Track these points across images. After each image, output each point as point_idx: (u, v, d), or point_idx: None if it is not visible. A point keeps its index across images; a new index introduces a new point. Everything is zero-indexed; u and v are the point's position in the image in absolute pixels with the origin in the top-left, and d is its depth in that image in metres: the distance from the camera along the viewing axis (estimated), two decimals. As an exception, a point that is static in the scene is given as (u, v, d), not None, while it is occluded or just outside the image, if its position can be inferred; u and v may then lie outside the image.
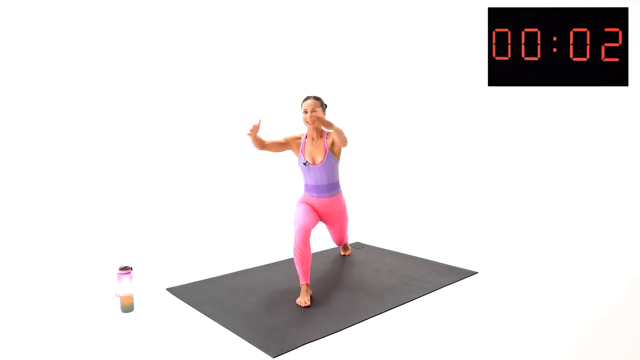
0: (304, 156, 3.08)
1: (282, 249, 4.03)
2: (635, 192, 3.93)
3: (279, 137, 3.14)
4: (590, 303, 2.74)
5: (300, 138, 3.12)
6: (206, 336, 2.42)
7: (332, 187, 3.14)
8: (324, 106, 3.04)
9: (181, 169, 5.00)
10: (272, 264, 3.67)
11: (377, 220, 5.09)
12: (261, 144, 3.03)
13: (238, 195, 5.26)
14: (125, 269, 2.75)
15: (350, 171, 6.04)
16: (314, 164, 3.07)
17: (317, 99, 3.00)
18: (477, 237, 4.30)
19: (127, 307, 2.72)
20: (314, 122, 2.96)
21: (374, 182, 5.77)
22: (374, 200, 5.71)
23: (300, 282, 2.89)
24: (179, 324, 2.57)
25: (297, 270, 2.89)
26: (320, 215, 3.22)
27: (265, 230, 4.71)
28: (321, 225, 3.54)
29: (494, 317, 2.59)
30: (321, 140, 3.05)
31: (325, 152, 3.03)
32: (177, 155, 4.98)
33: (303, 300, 2.82)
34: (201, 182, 5.11)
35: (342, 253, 3.79)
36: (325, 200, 3.16)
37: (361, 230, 4.70)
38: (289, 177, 5.54)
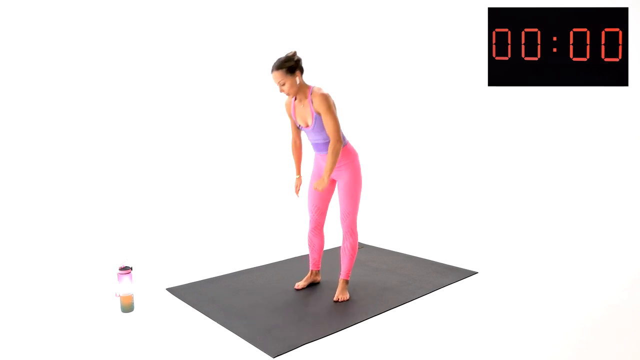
0: (296, 120, 2.85)
1: (282, 249, 4.04)
2: (635, 192, 3.93)
3: (289, 124, 2.98)
4: (590, 303, 2.74)
5: (290, 102, 2.86)
6: (206, 336, 2.42)
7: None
8: (292, 70, 2.65)
9: (181, 169, 5.00)
10: (272, 264, 3.67)
11: (377, 220, 5.09)
12: (298, 143, 3.04)
13: (238, 196, 5.26)
14: (125, 269, 2.75)
15: (350, 171, 6.03)
16: (306, 126, 2.81)
17: (280, 66, 2.63)
18: (477, 237, 4.30)
19: (127, 307, 2.72)
20: (289, 94, 2.70)
21: (374, 182, 5.77)
22: (374, 201, 5.70)
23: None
24: (179, 324, 2.57)
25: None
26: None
27: (265, 230, 4.71)
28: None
29: (494, 317, 2.59)
30: (307, 102, 2.74)
31: (313, 115, 2.73)
32: (177, 156, 4.98)
33: (300, 282, 3.14)
34: (201, 182, 5.11)
35: (337, 296, 2.92)
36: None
37: (361, 230, 4.70)
38: (288, 177, 5.53)
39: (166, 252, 3.99)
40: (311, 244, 3.15)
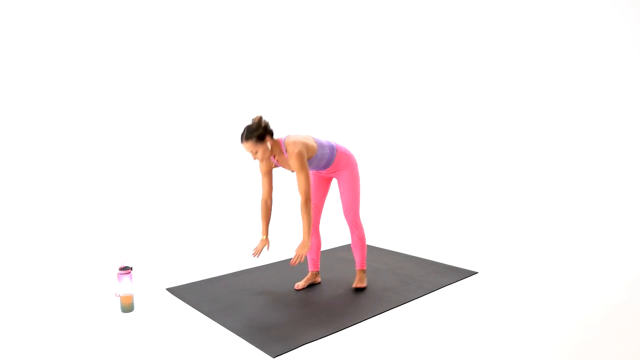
0: (287, 168, 2.92)
1: (282, 249, 4.03)
2: (635, 192, 3.93)
3: (262, 174, 2.96)
4: (590, 303, 2.74)
5: (268, 158, 2.85)
6: (206, 336, 2.42)
7: (326, 164, 2.91)
8: (262, 137, 2.68)
9: (181, 169, 5.00)
10: (272, 264, 3.67)
11: (377, 221, 5.09)
12: (269, 203, 2.97)
13: (238, 196, 5.26)
14: (125, 269, 2.75)
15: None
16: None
17: (249, 137, 2.66)
18: (477, 237, 4.31)
19: (127, 307, 2.72)
20: (263, 159, 2.75)
21: (374, 182, 5.77)
22: (374, 201, 5.71)
23: None
24: (179, 324, 2.57)
25: None
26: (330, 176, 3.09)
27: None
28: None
29: (494, 317, 2.59)
30: (284, 157, 2.82)
31: None
32: (177, 156, 4.98)
33: (299, 282, 3.14)
34: (201, 183, 5.11)
35: (355, 284, 3.11)
36: (326, 172, 3.03)
37: (361, 230, 4.70)
38: (288, 177, 5.54)
39: (166, 252, 3.99)
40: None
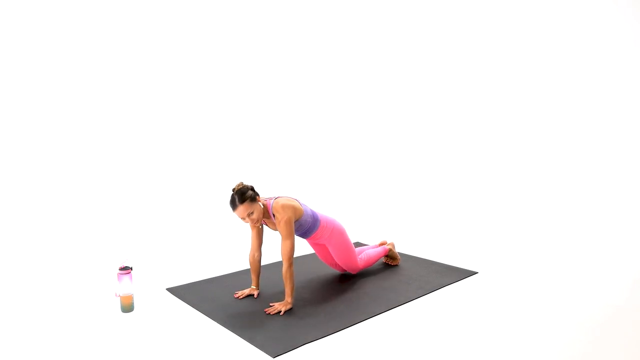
0: (271, 228, 2.94)
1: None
2: (635, 192, 3.93)
3: (252, 235, 2.97)
4: (590, 303, 2.74)
5: (262, 218, 2.84)
6: (206, 336, 2.42)
7: (306, 234, 2.98)
8: (254, 198, 2.71)
9: (181, 169, 5.00)
10: (272, 264, 3.67)
11: (377, 220, 5.09)
12: (257, 256, 2.96)
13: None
14: (125, 269, 2.75)
15: (350, 171, 6.04)
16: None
17: (243, 199, 2.66)
18: (477, 237, 4.31)
19: (127, 307, 2.72)
20: (258, 220, 2.76)
21: (374, 182, 5.77)
22: (374, 201, 5.71)
23: None
24: (179, 324, 2.57)
25: None
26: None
27: (265, 230, 4.70)
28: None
29: (494, 317, 2.59)
30: (271, 220, 2.84)
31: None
32: (177, 156, 4.98)
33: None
34: (201, 183, 5.11)
35: (386, 261, 3.63)
36: (309, 239, 3.10)
37: (361, 230, 4.71)
38: (287, 178, 5.54)
39: (166, 252, 3.99)
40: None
